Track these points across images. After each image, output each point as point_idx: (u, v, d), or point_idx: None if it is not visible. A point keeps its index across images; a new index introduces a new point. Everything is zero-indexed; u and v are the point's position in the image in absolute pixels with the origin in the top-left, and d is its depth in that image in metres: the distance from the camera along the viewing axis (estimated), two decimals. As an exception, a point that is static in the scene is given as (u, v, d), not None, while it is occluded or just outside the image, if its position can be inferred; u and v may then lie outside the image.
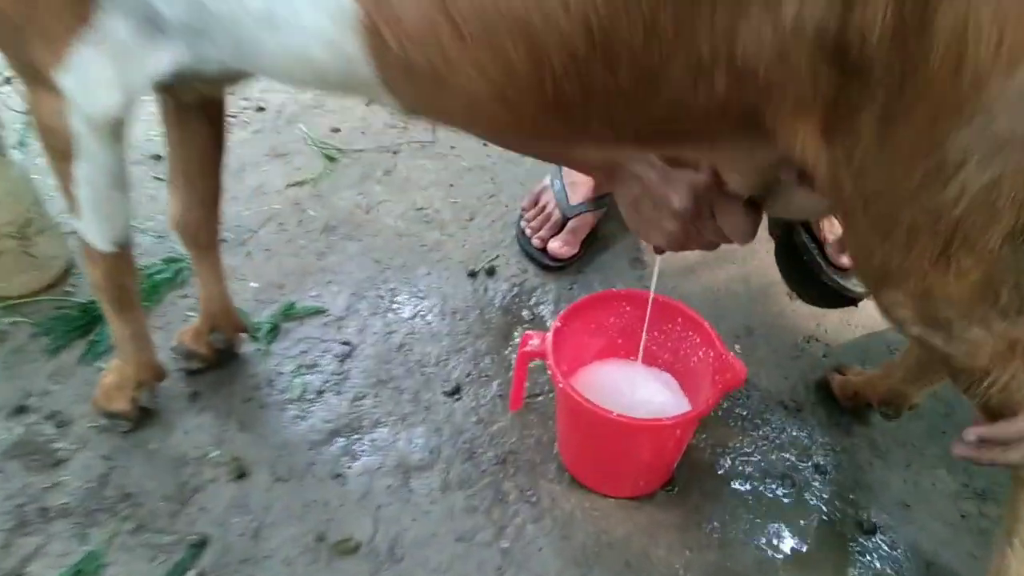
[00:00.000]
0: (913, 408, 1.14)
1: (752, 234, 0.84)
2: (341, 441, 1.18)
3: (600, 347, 1.19)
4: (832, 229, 1.38)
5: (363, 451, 1.17)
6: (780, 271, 1.44)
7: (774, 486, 1.15)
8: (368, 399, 1.24)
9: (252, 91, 1.78)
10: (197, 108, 0.90)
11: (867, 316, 1.38)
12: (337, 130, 1.70)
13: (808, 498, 1.14)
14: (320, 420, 1.21)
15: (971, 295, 0.61)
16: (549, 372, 1.05)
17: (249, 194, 1.55)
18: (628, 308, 1.15)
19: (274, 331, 1.32)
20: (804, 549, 1.08)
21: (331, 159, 1.63)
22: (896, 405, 1.13)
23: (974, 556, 1.08)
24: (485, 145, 1.68)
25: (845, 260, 1.35)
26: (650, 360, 1.19)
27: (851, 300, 1.38)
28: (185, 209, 1.01)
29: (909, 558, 1.08)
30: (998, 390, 0.69)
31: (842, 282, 1.35)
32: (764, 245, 1.49)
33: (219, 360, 1.25)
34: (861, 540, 1.10)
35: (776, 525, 1.11)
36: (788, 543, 1.09)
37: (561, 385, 1.01)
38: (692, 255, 1.46)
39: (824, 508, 1.13)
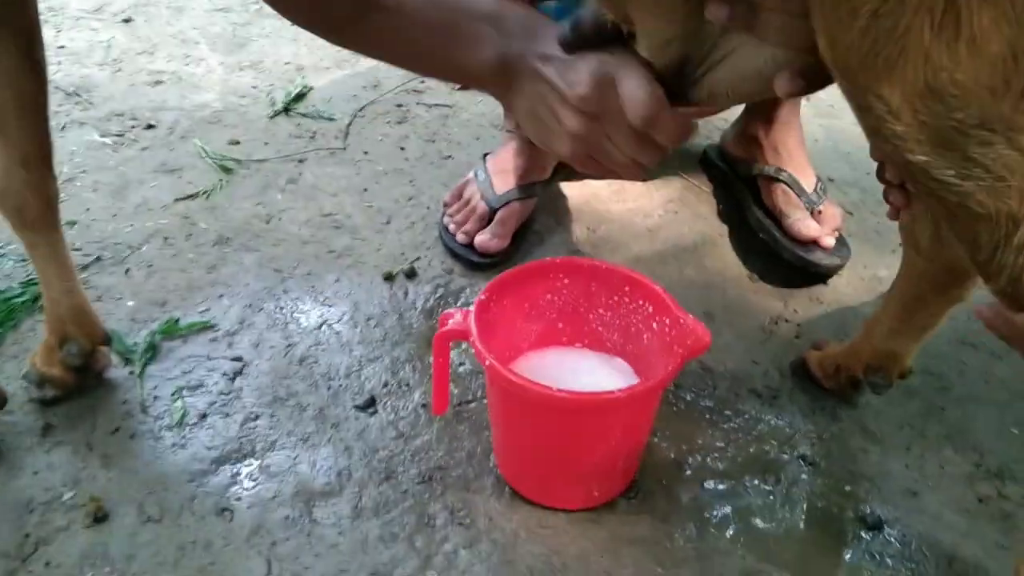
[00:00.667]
0: (905, 375, 0.97)
1: (653, 106, 0.69)
2: (228, 469, 0.96)
3: (537, 333, 1.00)
4: (788, 202, 1.24)
5: (255, 479, 0.95)
6: (738, 256, 1.29)
7: (756, 482, 0.96)
8: (262, 420, 1.02)
9: (142, 109, 1.60)
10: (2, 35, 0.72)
11: (838, 292, 1.22)
12: (236, 142, 1.52)
13: (797, 494, 0.95)
14: (203, 447, 0.99)
15: (991, 80, 0.44)
16: (473, 350, 0.85)
17: (131, 211, 1.35)
18: (567, 281, 0.97)
19: (151, 351, 1.10)
20: (800, 553, 0.89)
21: (228, 171, 1.44)
22: (886, 370, 0.95)
23: (1001, 546, 0.90)
24: (402, 148, 1.52)
25: (806, 231, 1.20)
26: (597, 345, 1.00)
27: (819, 276, 1.22)
28: (2, 173, 0.81)
29: (925, 553, 0.89)
30: None
31: (806, 256, 1.20)
32: (717, 230, 1.33)
33: (81, 386, 1.03)
34: (866, 537, 0.90)
35: (763, 528, 0.91)
36: (780, 547, 0.89)
37: (488, 363, 0.82)
38: (637, 243, 1.30)
39: (818, 504, 0.94)
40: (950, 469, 0.98)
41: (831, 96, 1.70)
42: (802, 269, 1.20)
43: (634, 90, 0.69)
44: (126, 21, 1.95)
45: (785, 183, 1.23)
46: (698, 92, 0.69)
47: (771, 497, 0.94)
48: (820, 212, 1.22)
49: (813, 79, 0.57)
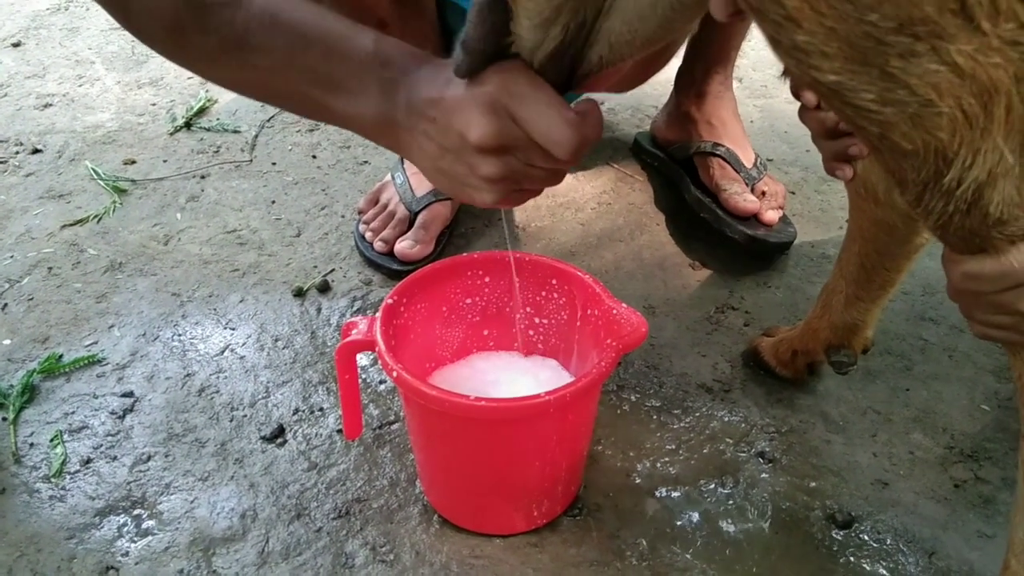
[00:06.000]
0: (868, 348, 0.89)
1: (575, 135, 0.58)
2: (114, 521, 0.84)
3: (460, 340, 0.89)
4: (725, 175, 1.16)
5: (146, 529, 0.83)
6: (678, 243, 1.20)
7: (712, 486, 0.86)
8: (155, 460, 0.90)
9: (28, 133, 1.46)
10: None
11: (786, 274, 1.14)
12: (132, 162, 1.39)
13: (758, 495, 0.85)
14: (85, 497, 0.86)
15: None
16: (380, 363, 0.75)
17: (12, 242, 1.22)
18: (488, 279, 0.87)
19: (28, 393, 0.97)
20: (766, 561, 0.79)
21: (121, 192, 1.31)
22: (849, 345, 0.86)
23: (984, 534, 0.81)
24: (314, 157, 1.40)
25: (743, 204, 1.12)
26: (528, 347, 0.90)
27: (765, 253, 1.14)
28: None
29: (903, 549, 0.80)
30: (973, 185, 0.43)
31: (751, 232, 1.12)
32: (653, 219, 1.25)
33: (-58, 440, 0.90)
34: (837, 537, 0.81)
35: (723, 537, 0.81)
36: (744, 557, 0.80)
37: (396, 375, 0.71)
38: (569, 238, 1.21)
39: (782, 505, 0.84)
40: (921, 455, 0.89)
41: (764, 76, 1.65)
42: (747, 247, 1.11)
43: (547, 129, 0.58)
44: (15, 45, 1.81)
45: (722, 157, 1.15)
46: (596, 55, 0.59)
47: (730, 502, 0.85)
48: (763, 191, 1.14)
49: None
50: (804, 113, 0.71)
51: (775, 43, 0.40)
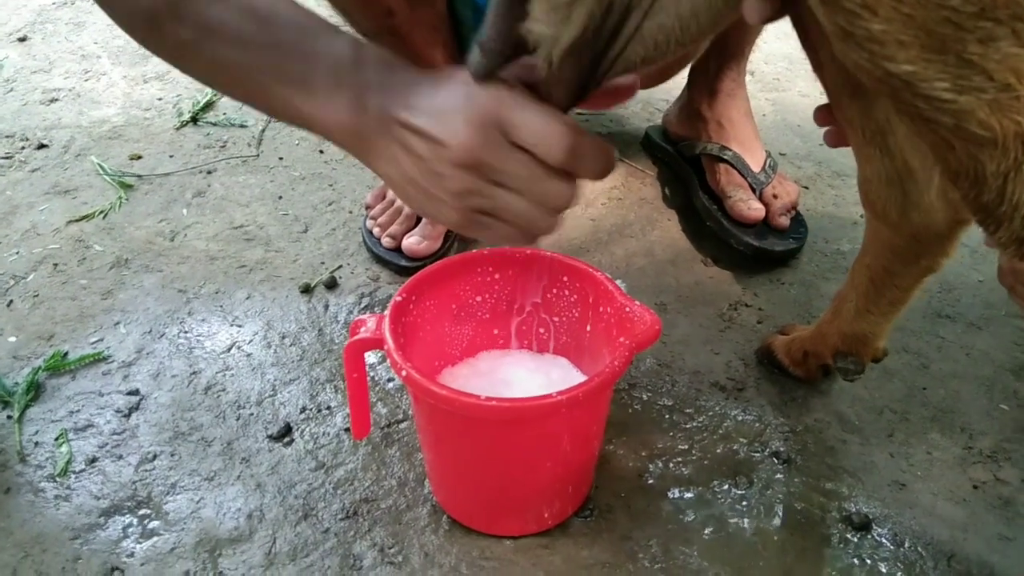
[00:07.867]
0: (879, 357, 0.87)
1: (571, 133, 0.57)
2: (120, 521, 0.83)
3: (469, 338, 0.88)
4: (731, 182, 1.14)
5: (151, 530, 0.82)
6: (690, 240, 1.18)
7: (725, 487, 0.85)
8: (161, 460, 0.89)
9: (34, 128, 1.45)
10: None
11: (800, 271, 1.12)
12: (138, 157, 1.38)
13: (773, 496, 0.84)
14: (90, 497, 0.85)
15: None
16: (388, 360, 0.73)
17: (18, 238, 1.21)
18: (498, 276, 0.85)
19: (33, 391, 0.96)
20: (781, 564, 0.78)
21: (128, 187, 1.30)
22: (857, 353, 0.85)
23: (1004, 537, 0.79)
24: (321, 152, 1.39)
25: (748, 212, 1.10)
26: (538, 345, 0.89)
27: (771, 261, 1.12)
28: None
29: (921, 552, 0.78)
30: None
31: (756, 244, 1.10)
32: (665, 215, 1.23)
33: (-53, 438, 0.89)
34: (854, 539, 0.80)
35: (738, 538, 0.80)
36: (758, 559, 0.78)
37: (405, 374, 0.70)
38: (579, 234, 1.19)
39: (797, 506, 0.83)
40: (939, 455, 0.88)
41: (776, 69, 1.63)
42: (752, 258, 1.10)
43: (543, 125, 0.57)
44: (21, 40, 1.80)
45: (728, 162, 1.13)
46: (635, 53, 0.57)
47: (744, 503, 0.83)
48: (774, 194, 1.12)
49: None
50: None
51: (846, 35, 0.39)
